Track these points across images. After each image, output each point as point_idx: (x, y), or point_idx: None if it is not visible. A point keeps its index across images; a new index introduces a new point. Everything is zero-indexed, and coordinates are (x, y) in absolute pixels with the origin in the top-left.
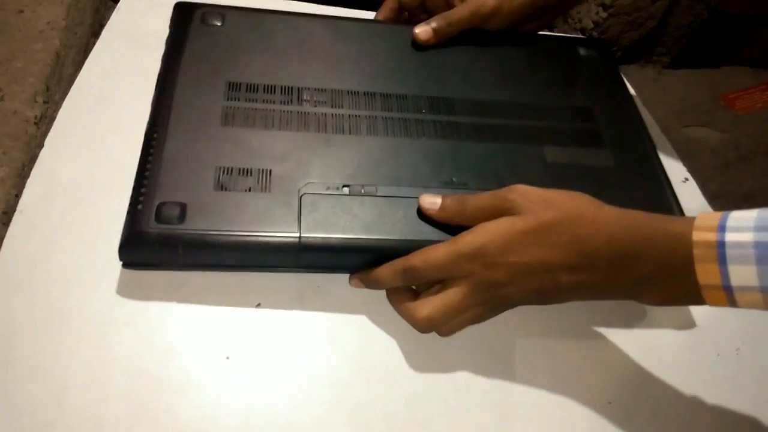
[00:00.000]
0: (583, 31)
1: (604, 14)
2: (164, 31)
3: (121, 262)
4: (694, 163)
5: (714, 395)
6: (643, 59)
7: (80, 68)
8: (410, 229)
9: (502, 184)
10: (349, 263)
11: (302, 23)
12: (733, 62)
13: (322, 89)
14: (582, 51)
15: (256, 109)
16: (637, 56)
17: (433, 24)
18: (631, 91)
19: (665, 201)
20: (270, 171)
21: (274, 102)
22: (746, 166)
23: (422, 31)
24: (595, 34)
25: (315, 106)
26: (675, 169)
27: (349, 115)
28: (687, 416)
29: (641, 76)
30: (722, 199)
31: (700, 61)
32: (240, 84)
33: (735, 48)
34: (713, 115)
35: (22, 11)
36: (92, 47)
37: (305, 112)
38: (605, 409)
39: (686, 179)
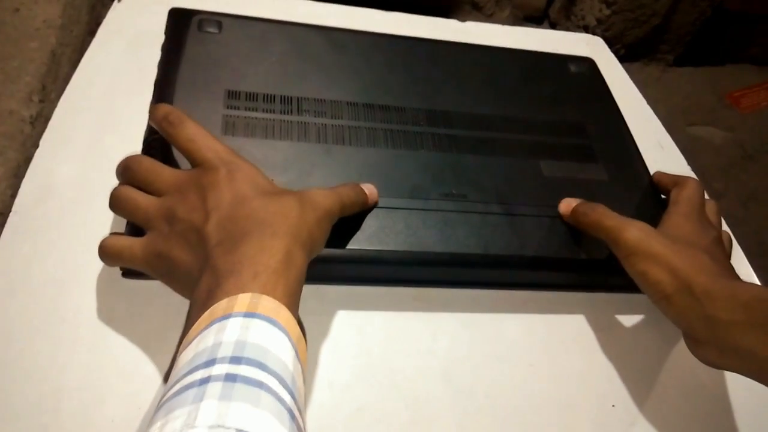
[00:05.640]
0: (586, 28)
1: (607, 11)
2: (161, 30)
3: (121, 271)
4: (699, 162)
5: (719, 397)
6: (646, 57)
7: (76, 67)
8: (411, 240)
9: (500, 197)
10: (350, 274)
11: (300, 33)
12: (738, 60)
13: (321, 100)
14: (573, 68)
15: (256, 118)
16: (640, 54)
17: (576, 212)
18: (635, 90)
19: (657, 216)
20: (272, 181)
21: (273, 111)
22: (751, 165)
23: (564, 209)
24: (598, 31)
25: (315, 116)
26: (679, 168)
27: (349, 126)
28: (691, 419)
29: (645, 74)
30: (727, 198)
31: (704, 59)
32: (239, 93)
33: (739, 45)
34: (718, 114)
35: (17, 9)
36: (89, 46)
37: (305, 122)
38: (609, 412)
39: None
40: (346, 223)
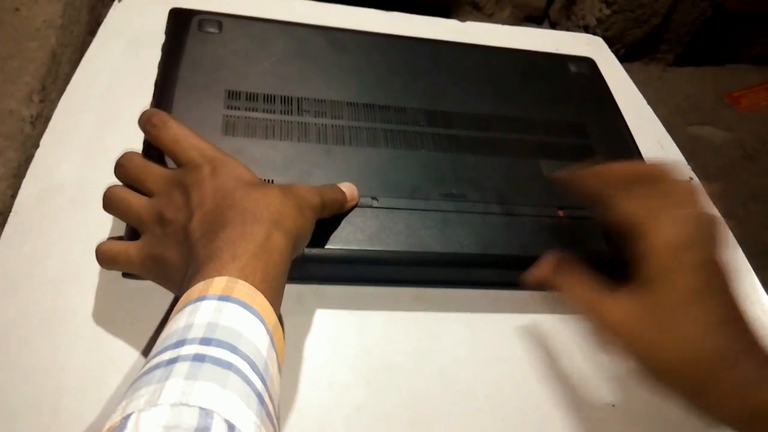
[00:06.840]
0: (586, 28)
1: (607, 11)
2: (161, 30)
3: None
4: (699, 162)
5: None
6: (647, 57)
7: (76, 67)
8: (411, 240)
9: (500, 197)
10: (350, 274)
11: (300, 33)
12: (738, 60)
13: (321, 100)
14: (573, 68)
15: (256, 118)
16: (640, 54)
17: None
18: (635, 90)
19: None
20: (272, 181)
21: (274, 112)
22: (751, 165)
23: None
24: (598, 31)
25: (315, 116)
26: (679, 168)
27: (349, 127)
28: (691, 419)
29: (645, 73)
30: (727, 198)
31: (704, 59)
32: (239, 93)
33: (739, 45)
34: (717, 114)
35: (18, 9)
36: (89, 46)
37: (305, 123)
38: (608, 411)
39: (691, 179)
40: (346, 223)
